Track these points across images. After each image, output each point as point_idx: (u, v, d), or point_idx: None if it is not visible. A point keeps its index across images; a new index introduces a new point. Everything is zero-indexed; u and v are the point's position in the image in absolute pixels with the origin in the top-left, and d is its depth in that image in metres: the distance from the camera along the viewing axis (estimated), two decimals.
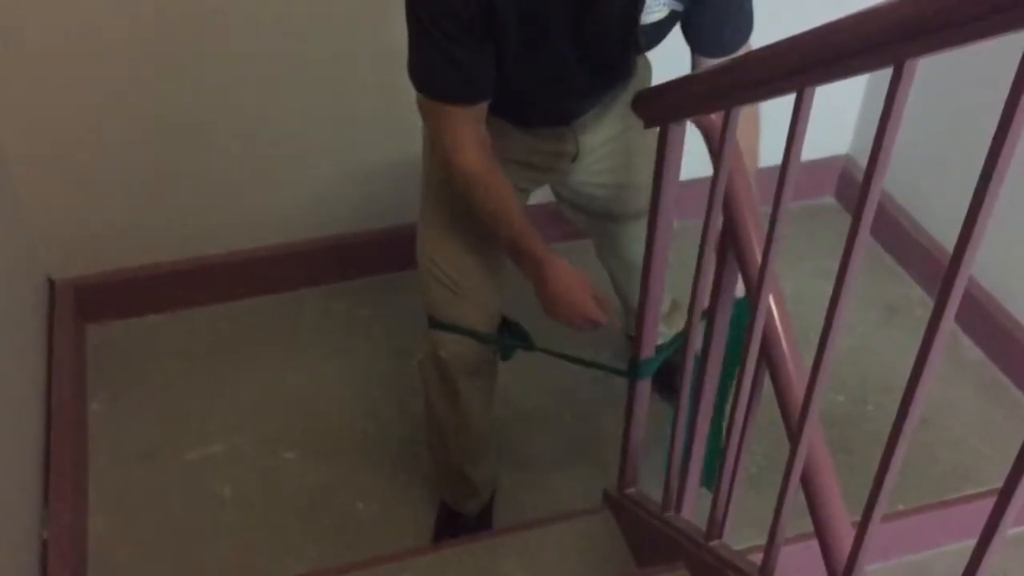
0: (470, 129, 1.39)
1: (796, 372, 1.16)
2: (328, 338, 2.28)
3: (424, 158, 1.61)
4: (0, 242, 1.87)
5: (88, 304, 2.22)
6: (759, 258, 1.09)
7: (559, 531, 1.65)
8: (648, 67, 1.68)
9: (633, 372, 1.49)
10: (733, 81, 1.02)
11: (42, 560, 1.66)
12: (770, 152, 1.30)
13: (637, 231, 1.68)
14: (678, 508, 1.46)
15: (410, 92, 1.40)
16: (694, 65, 1.47)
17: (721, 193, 1.15)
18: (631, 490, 1.61)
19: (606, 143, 1.64)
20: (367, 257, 2.38)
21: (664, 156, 1.27)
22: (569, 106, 1.55)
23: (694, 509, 1.48)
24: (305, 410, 2.11)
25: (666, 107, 1.21)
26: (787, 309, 1.21)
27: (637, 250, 1.66)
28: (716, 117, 1.17)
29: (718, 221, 1.21)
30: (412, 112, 1.48)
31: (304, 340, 2.27)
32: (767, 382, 1.20)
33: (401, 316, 2.29)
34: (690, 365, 1.36)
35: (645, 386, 1.51)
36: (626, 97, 1.58)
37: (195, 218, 2.23)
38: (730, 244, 1.25)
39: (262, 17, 1.97)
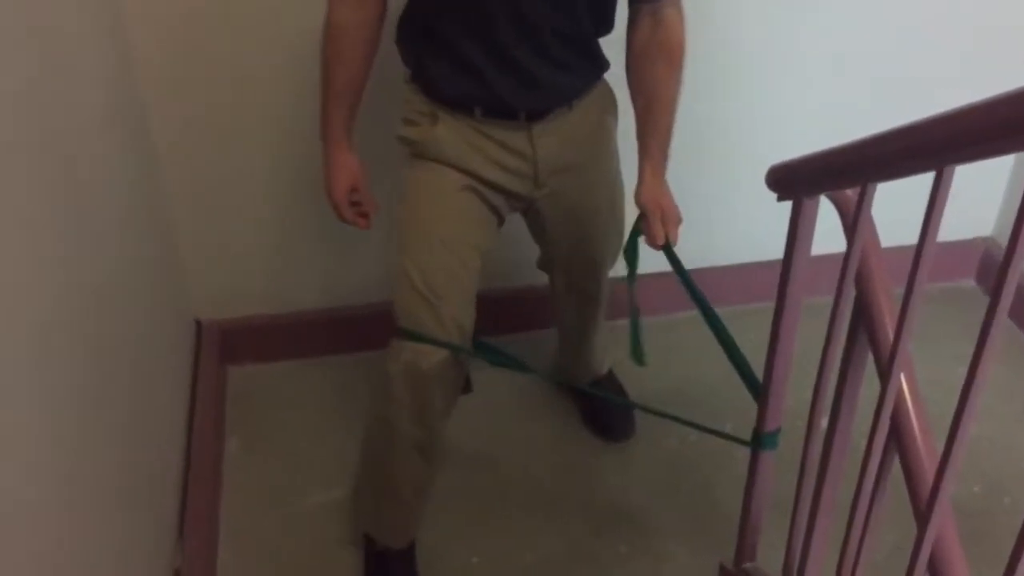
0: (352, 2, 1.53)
1: (927, 455, 1.13)
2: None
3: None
4: (159, 284, 2.00)
5: (231, 347, 2.34)
6: (891, 336, 1.08)
7: None
8: (615, 102, 1.76)
9: (756, 443, 1.47)
10: (869, 157, 1.02)
11: None
12: (909, 230, 1.28)
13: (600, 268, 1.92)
14: None
15: None
16: (629, 14, 1.60)
17: (854, 268, 1.14)
18: (749, 565, 1.58)
19: (566, 170, 1.69)
20: (500, 318, 2.41)
21: (796, 231, 1.27)
22: (521, 64, 1.55)
23: None
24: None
25: (801, 181, 1.22)
26: (920, 392, 1.18)
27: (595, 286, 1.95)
28: (851, 193, 1.17)
29: (850, 297, 1.20)
30: None
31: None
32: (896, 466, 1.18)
33: (525, 376, 2.32)
34: (818, 437, 1.34)
35: (768, 458, 1.49)
36: (581, 117, 1.67)
37: (338, 270, 2.33)
38: (861, 321, 1.24)
39: None
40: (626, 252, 1.72)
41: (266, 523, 2.02)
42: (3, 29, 1.18)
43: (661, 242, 1.60)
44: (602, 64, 1.68)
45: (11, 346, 1.11)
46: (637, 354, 1.77)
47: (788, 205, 1.29)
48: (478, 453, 2.18)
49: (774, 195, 1.33)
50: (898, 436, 1.13)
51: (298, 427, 2.25)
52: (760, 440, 1.47)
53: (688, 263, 2.47)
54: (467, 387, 1.75)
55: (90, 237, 1.52)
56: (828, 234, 1.35)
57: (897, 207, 1.59)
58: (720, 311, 2.40)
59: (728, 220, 2.47)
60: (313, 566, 1.93)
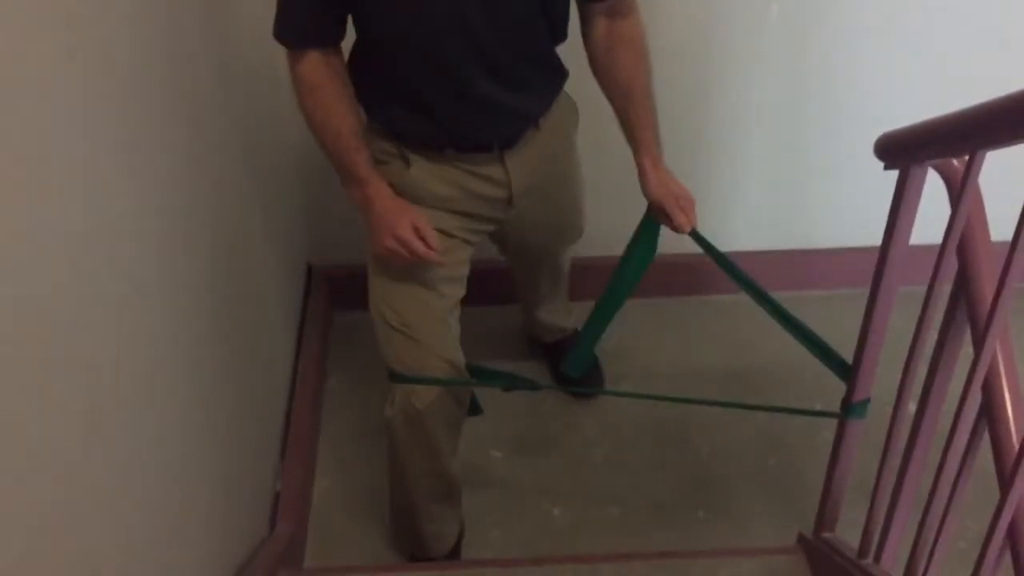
0: (314, 54, 1.46)
1: (1017, 427, 1.14)
2: None
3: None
4: (277, 227, 2.10)
5: (338, 292, 2.44)
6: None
7: (749, 564, 1.66)
8: (575, 112, 1.75)
9: (845, 413, 1.49)
10: (979, 123, 1.03)
11: (273, 509, 1.85)
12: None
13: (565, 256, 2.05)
14: (877, 557, 1.44)
15: None
16: (580, 15, 1.56)
17: (956, 237, 1.15)
18: (828, 534, 1.60)
19: (536, 187, 1.69)
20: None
21: (901, 199, 1.28)
22: (487, 98, 1.51)
23: (894, 560, 1.45)
24: (521, 414, 2.22)
25: (908, 149, 1.23)
26: (1015, 367, 1.18)
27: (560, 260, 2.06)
28: (958, 163, 1.18)
29: (951, 266, 1.21)
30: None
31: (534, 351, 2.37)
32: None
33: (622, 339, 2.37)
34: (905, 411, 1.35)
35: (856, 428, 1.50)
36: (549, 134, 1.66)
37: None
38: (961, 296, 1.24)
39: None
40: (635, 245, 1.71)
41: (360, 456, 2.11)
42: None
43: (688, 228, 1.61)
44: (563, 74, 1.64)
45: (148, 266, 1.21)
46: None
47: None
48: (564, 410, 2.24)
49: (879, 179, 1.34)
50: (989, 404, 1.14)
51: None
52: (849, 409, 1.48)
53: (791, 244, 2.50)
54: (475, 409, 1.78)
55: (217, 176, 1.63)
56: (929, 224, 1.35)
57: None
58: (816, 294, 2.42)
59: (833, 202, 2.45)
60: None
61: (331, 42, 1.48)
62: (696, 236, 1.62)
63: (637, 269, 1.72)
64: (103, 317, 1.05)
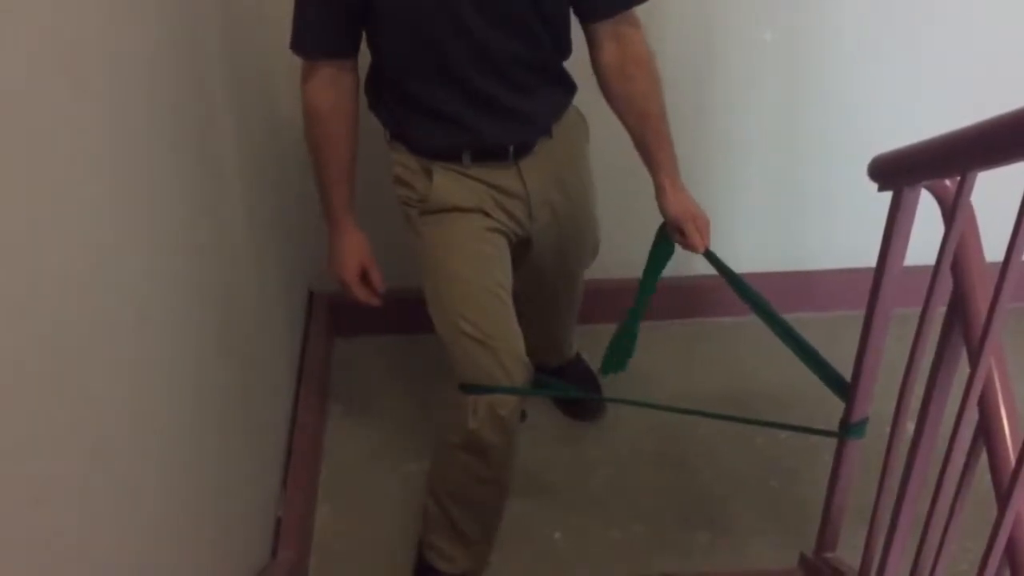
0: (327, 70, 1.53)
1: (1013, 445, 1.15)
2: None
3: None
4: (278, 254, 2.12)
5: (340, 318, 2.45)
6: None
7: None
8: (585, 125, 1.76)
9: (843, 432, 1.50)
10: (970, 144, 1.04)
11: (274, 535, 1.85)
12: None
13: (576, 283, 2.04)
14: None
15: None
16: (587, 39, 1.57)
17: (950, 256, 1.16)
18: (829, 554, 1.60)
19: (553, 200, 1.71)
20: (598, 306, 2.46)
21: (895, 221, 1.29)
22: (495, 99, 1.55)
23: None
24: (521, 439, 2.21)
25: (902, 171, 1.25)
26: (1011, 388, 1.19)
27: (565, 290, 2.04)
28: (951, 183, 1.19)
29: (946, 287, 1.22)
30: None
31: (538, 377, 2.37)
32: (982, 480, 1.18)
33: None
34: (902, 430, 1.36)
35: (855, 447, 1.51)
36: (561, 143, 1.68)
37: None
38: (956, 315, 1.25)
39: None
40: (652, 265, 1.76)
41: (362, 484, 2.12)
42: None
43: (702, 248, 1.63)
44: (571, 87, 1.67)
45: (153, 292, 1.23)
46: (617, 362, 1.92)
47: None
48: (564, 435, 2.24)
49: (876, 201, 1.36)
50: (985, 421, 1.15)
51: (399, 398, 2.34)
52: (847, 429, 1.49)
53: (788, 266, 2.51)
54: (523, 415, 1.79)
55: (221, 201, 1.64)
56: (925, 245, 1.37)
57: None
58: (814, 316, 2.43)
59: (830, 224, 2.48)
60: (403, 528, 2.01)
61: (344, 53, 1.53)
62: (710, 256, 1.64)
63: (652, 283, 1.78)
64: (108, 345, 1.06)
